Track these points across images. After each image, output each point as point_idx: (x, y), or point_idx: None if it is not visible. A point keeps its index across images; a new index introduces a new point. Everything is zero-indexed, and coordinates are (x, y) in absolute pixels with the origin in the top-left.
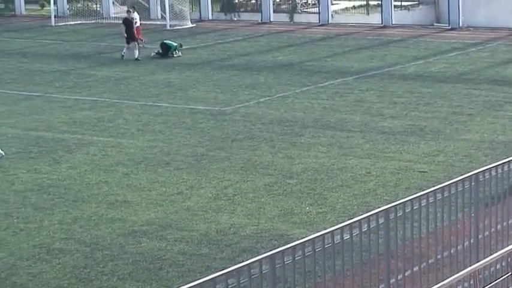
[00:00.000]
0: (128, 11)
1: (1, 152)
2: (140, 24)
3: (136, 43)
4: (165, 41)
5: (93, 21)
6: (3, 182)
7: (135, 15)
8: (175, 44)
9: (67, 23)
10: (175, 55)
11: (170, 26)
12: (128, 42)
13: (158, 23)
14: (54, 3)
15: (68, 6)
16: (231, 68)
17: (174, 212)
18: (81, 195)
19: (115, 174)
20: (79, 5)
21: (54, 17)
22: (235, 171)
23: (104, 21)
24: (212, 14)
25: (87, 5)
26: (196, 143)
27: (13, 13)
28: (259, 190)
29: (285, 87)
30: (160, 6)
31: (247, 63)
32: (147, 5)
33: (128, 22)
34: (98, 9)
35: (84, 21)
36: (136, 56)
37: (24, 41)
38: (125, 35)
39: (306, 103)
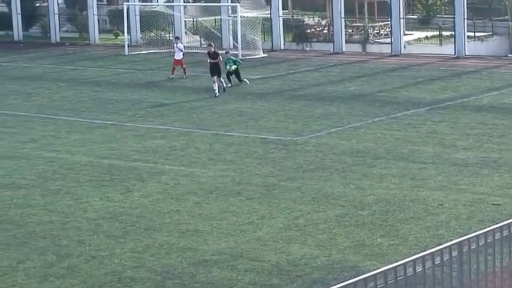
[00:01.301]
0: (209, 45)
1: None
2: (183, 54)
3: (219, 78)
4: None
5: (165, 50)
6: (76, 209)
7: (180, 46)
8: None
9: (140, 52)
10: (229, 68)
11: (242, 56)
12: (212, 75)
13: (230, 52)
14: (128, 32)
15: (141, 36)
16: (302, 98)
17: (245, 241)
18: (153, 224)
19: (186, 203)
20: (152, 34)
21: (128, 46)
22: (307, 202)
23: None
24: (284, 44)
25: (160, 35)
26: (267, 173)
27: (87, 42)
28: (331, 221)
29: (357, 118)
30: (233, 36)
31: (319, 94)
32: (220, 35)
33: (211, 55)
34: (171, 38)
35: (157, 50)
36: (216, 89)
37: (98, 70)
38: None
39: (378, 134)
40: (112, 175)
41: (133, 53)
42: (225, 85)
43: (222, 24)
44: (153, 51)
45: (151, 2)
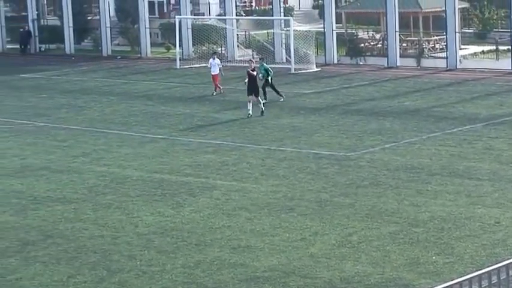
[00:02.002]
0: (250, 61)
1: None
2: (220, 70)
3: (259, 98)
4: (270, 81)
5: None
6: (127, 224)
7: (217, 61)
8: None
9: (192, 66)
10: (261, 77)
11: (295, 70)
12: (248, 94)
13: (283, 66)
14: (180, 46)
15: (193, 49)
16: (356, 113)
17: (297, 258)
18: (204, 239)
19: (238, 218)
20: (204, 47)
21: (180, 59)
22: (360, 218)
23: (229, 64)
24: (337, 58)
25: (212, 48)
26: (320, 189)
27: (139, 55)
28: (385, 238)
29: (412, 133)
30: (285, 50)
31: (372, 108)
32: (272, 48)
33: (250, 74)
34: (223, 52)
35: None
36: (262, 110)
37: (150, 84)
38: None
39: (433, 150)
40: (163, 190)
41: (185, 66)
42: (263, 107)
43: (275, 38)
44: (205, 65)
45: (204, 15)
